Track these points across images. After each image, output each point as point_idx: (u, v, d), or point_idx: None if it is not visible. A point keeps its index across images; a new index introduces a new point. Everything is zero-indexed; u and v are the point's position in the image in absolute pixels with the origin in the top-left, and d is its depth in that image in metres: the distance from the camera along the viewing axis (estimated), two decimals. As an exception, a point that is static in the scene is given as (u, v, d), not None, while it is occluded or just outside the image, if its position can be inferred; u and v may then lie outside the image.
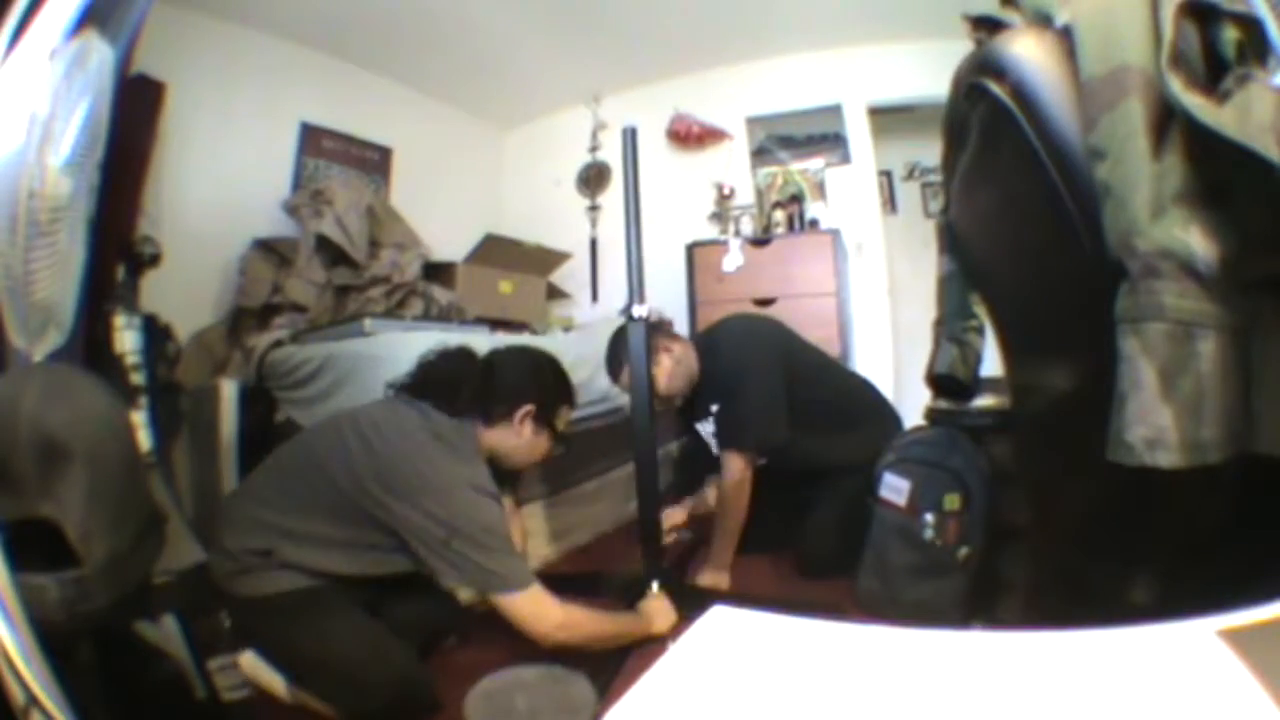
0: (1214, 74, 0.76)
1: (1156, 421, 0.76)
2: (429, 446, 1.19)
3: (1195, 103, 0.73)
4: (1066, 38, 0.85)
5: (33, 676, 0.70)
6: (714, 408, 1.73)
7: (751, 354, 1.72)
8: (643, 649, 1.26)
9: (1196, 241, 0.75)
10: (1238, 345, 0.76)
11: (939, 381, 1.38)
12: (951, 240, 1.30)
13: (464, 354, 1.37)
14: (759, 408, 1.65)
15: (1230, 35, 0.75)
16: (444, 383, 1.29)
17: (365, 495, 1.14)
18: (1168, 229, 0.77)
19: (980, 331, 1.31)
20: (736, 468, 1.63)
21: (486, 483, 1.20)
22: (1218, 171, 0.76)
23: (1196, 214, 0.77)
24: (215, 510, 1.25)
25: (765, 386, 1.67)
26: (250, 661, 1.20)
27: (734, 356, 1.72)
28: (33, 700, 0.69)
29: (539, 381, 1.35)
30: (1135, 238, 0.78)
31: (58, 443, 0.80)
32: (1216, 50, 0.76)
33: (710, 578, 1.66)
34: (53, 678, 0.71)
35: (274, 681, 1.19)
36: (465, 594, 1.33)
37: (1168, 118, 0.77)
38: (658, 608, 1.34)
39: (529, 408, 1.30)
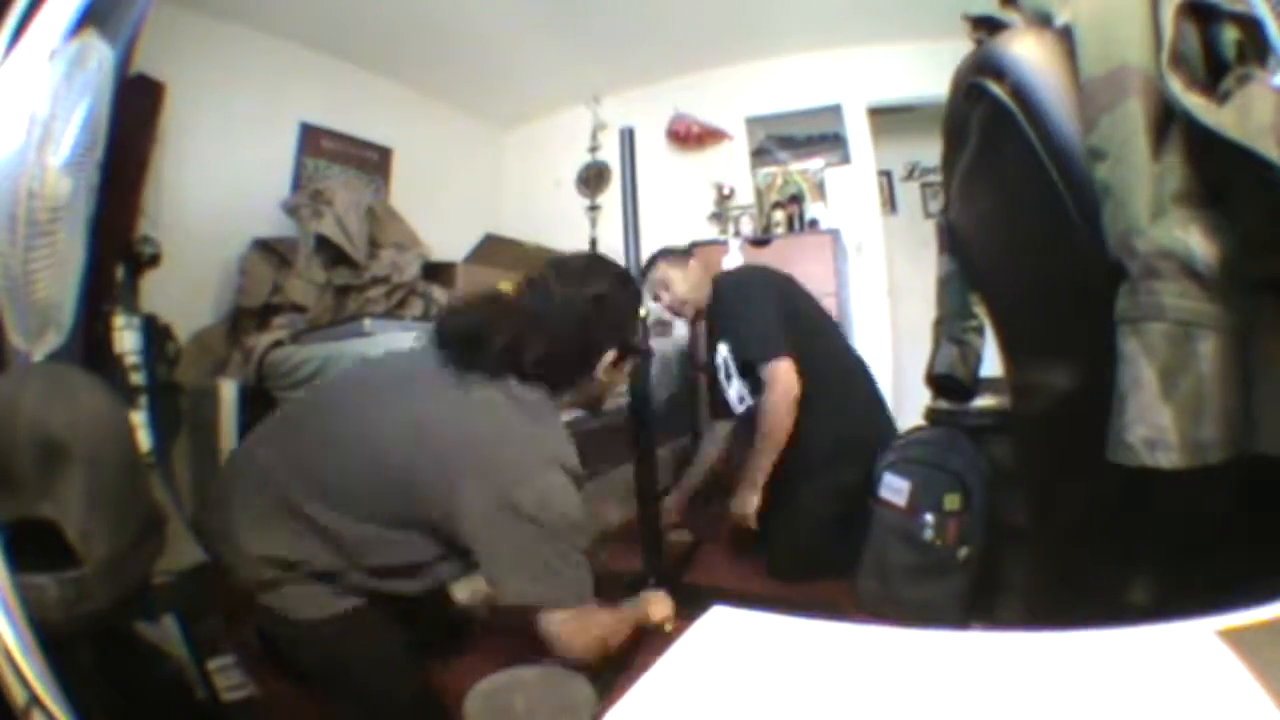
0: (1214, 74, 0.76)
1: (1157, 421, 0.76)
2: (512, 418, 0.96)
3: (1195, 103, 0.73)
4: (1066, 38, 0.85)
5: (33, 676, 0.70)
6: (725, 349, 1.76)
7: (747, 288, 1.78)
8: (646, 648, 1.26)
9: (1196, 242, 0.75)
10: (1238, 345, 0.76)
11: (939, 382, 1.38)
12: (951, 240, 1.30)
13: (503, 305, 1.08)
14: (768, 322, 1.67)
15: (1230, 35, 0.75)
16: (502, 348, 1.00)
17: (430, 499, 0.95)
18: (1168, 229, 0.77)
19: (980, 332, 1.30)
20: (782, 371, 1.60)
21: (576, 461, 0.99)
22: (1218, 172, 0.76)
23: (1196, 214, 0.77)
24: (217, 490, 1.07)
25: (765, 309, 1.69)
26: None
27: (732, 294, 1.78)
28: (33, 700, 0.69)
29: (619, 319, 1.09)
30: (1135, 238, 0.78)
31: (57, 443, 0.80)
32: (1216, 50, 0.76)
33: (743, 498, 1.63)
34: (52, 678, 0.71)
35: None
36: (462, 594, 1.32)
37: (1167, 118, 0.77)
38: (655, 598, 1.26)
39: (612, 355, 1.08)
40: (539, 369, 1.01)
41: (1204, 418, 0.75)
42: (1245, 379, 0.76)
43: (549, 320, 1.03)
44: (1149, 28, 0.77)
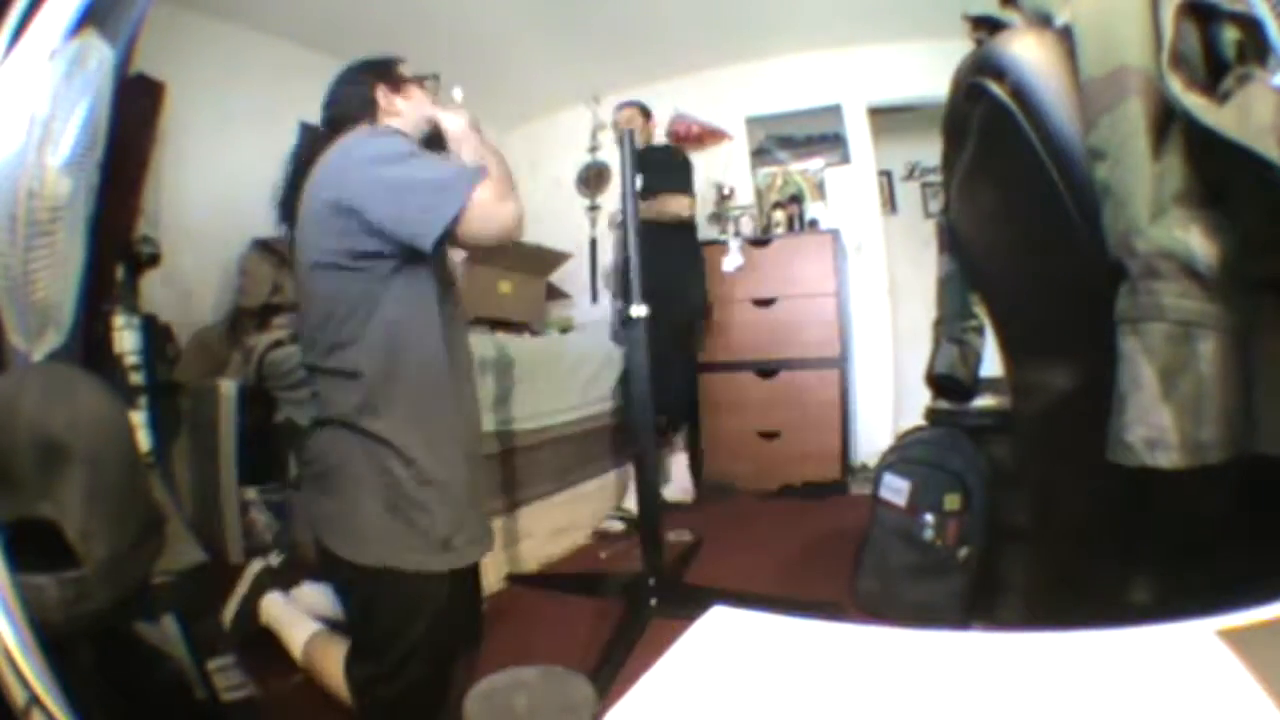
0: (1214, 74, 0.76)
1: (1157, 422, 0.76)
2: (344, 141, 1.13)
3: (1195, 103, 0.73)
4: (1066, 38, 0.85)
5: (34, 676, 0.70)
6: None
7: None
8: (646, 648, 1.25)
9: (1196, 242, 0.75)
10: (1238, 345, 0.76)
11: (939, 381, 1.38)
12: (951, 240, 1.30)
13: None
14: None
15: (1230, 35, 0.75)
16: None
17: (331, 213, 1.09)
18: (1168, 229, 0.77)
19: (980, 331, 1.31)
20: None
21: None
22: (1218, 171, 0.76)
23: (1196, 214, 0.77)
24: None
25: None
26: (276, 607, 1.25)
27: None
28: (33, 700, 0.69)
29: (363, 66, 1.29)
30: (1135, 238, 0.78)
31: (57, 443, 0.80)
32: (1216, 50, 0.76)
33: None
34: (52, 678, 0.71)
35: (292, 637, 1.24)
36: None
37: (1167, 118, 0.77)
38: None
39: (380, 86, 1.24)
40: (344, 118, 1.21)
41: (1204, 418, 0.75)
42: (1245, 379, 0.76)
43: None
44: (1149, 28, 0.77)
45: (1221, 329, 0.75)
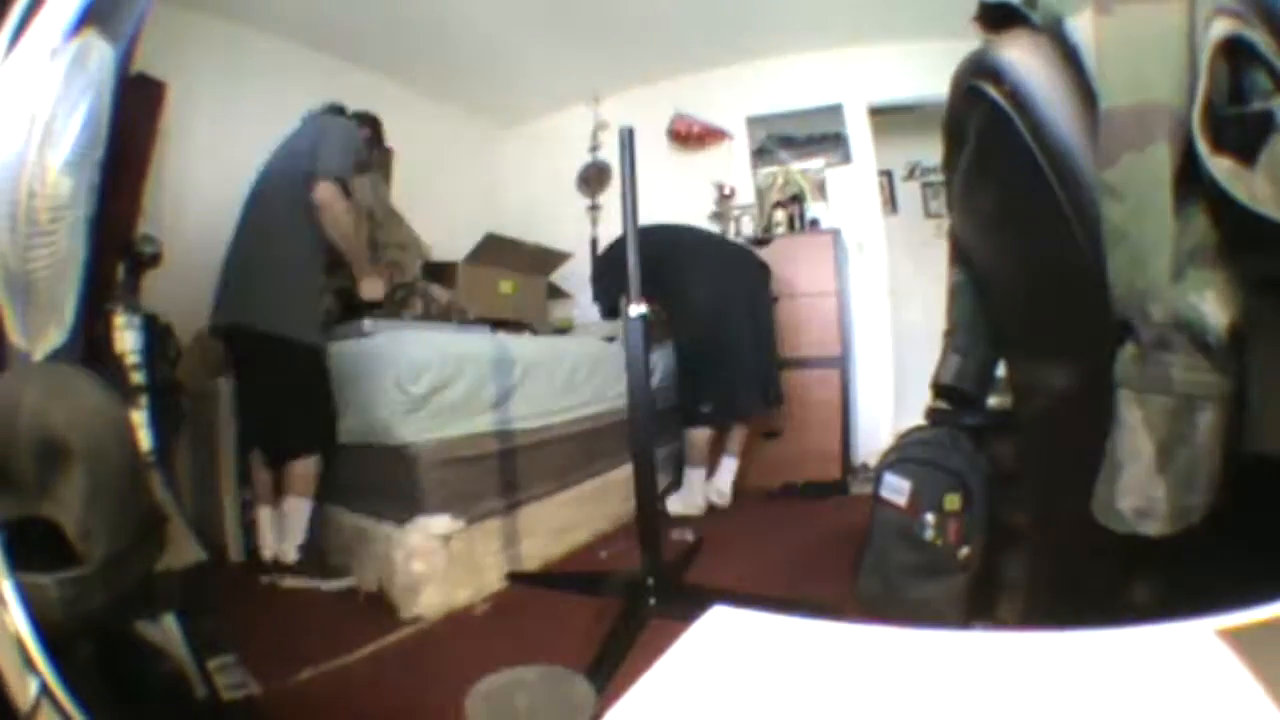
0: (1236, 99, 0.73)
1: (1150, 493, 0.76)
2: None
3: (1225, 169, 0.70)
4: (1068, 46, 0.83)
5: (45, 672, 0.70)
6: None
7: None
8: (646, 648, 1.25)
9: (1210, 310, 0.73)
10: (1231, 412, 0.75)
11: (944, 392, 1.37)
12: (955, 248, 1.30)
13: None
14: None
15: (1261, 76, 0.72)
16: None
17: None
18: (1183, 294, 0.74)
19: (990, 342, 1.30)
20: None
21: None
22: (1247, 233, 0.72)
23: (1211, 275, 0.74)
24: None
25: None
26: None
27: None
28: (43, 691, 0.69)
29: None
30: (1152, 303, 0.76)
31: (58, 442, 0.80)
32: (1243, 83, 0.73)
33: None
34: (53, 678, 0.71)
35: None
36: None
37: (1192, 164, 0.73)
38: None
39: None
40: None
41: (1194, 486, 0.75)
42: (1232, 441, 0.75)
43: None
44: (1184, 62, 0.73)
45: (1220, 398, 0.74)
